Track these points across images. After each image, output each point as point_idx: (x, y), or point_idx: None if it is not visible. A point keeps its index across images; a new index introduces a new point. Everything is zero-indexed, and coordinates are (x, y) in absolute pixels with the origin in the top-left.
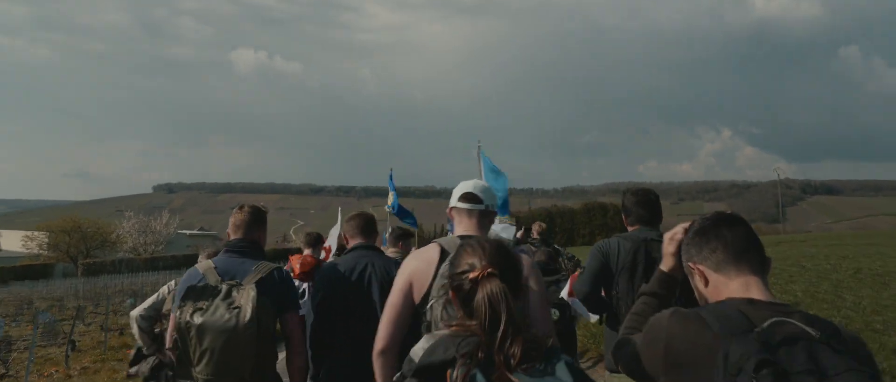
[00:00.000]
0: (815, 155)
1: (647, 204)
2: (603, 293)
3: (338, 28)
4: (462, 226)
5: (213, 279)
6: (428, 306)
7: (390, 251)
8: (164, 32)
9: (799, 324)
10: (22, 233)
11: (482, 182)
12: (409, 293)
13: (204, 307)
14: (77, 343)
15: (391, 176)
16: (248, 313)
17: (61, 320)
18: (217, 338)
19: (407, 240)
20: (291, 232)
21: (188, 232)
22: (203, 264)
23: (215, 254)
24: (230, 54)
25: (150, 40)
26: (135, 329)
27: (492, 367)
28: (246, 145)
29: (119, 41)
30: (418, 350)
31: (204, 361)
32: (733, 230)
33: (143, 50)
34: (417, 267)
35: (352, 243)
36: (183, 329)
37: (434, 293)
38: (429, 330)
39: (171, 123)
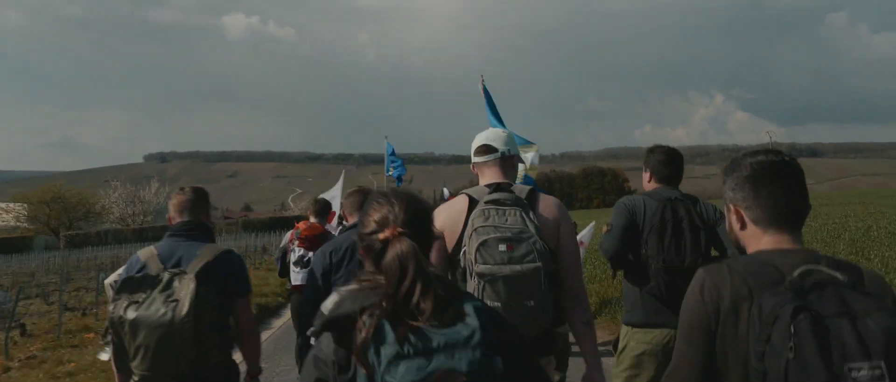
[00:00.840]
0: (802, 118)
1: (672, 163)
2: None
3: None
4: (485, 177)
5: (154, 267)
6: (461, 253)
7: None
8: None
9: (826, 270)
10: None
11: (493, 130)
12: (441, 244)
13: (140, 299)
14: (29, 328)
15: (389, 145)
16: (184, 307)
17: (25, 298)
18: (151, 334)
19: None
20: (289, 200)
21: None
22: (145, 250)
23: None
24: (221, 19)
25: (131, 3)
26: (110, 296)
27: (399, 318)
28: (241, 113)
29: (97, 4)
30: (328, 304)
31: (139, 356)
32: (787, 190)
33: (125, 14)
34: (448, 217)
35: (351, 219)
36: (116, 324)
37: (465, 240)
38: (464, 278)
39: (160, 90)
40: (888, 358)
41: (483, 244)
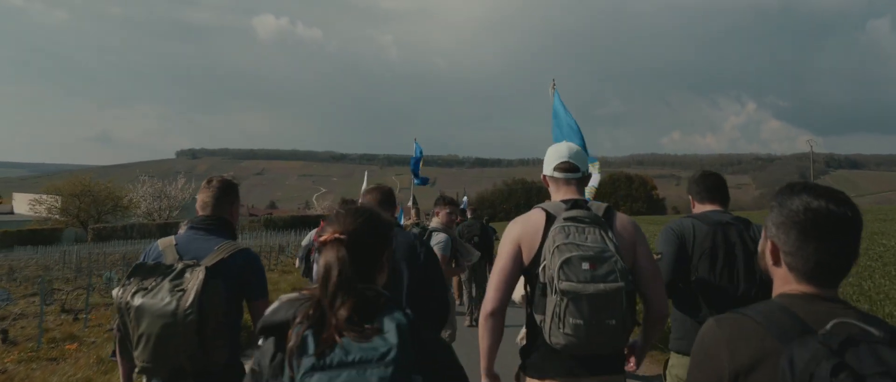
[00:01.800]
0: (841, 128)
1: (719, 186)
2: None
3: None
4: (560, 193)
5: (171, 256)
6: (540, 267)
7: (434, 220)
8: None
9: (860, 324)
10: (32, 196)
11: (574, 146)
12: (517, 256)
13: (149, 286)
14: (14, 334)
15: (418, 147)
16: (189, 298)
17: (31, 294)
18: (154, 323)
19: (453, 208)
20: (314, 199)
21: None
22: (165, 240)
23: None
24: (252, 20)
25: (168, 4)
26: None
27: (323, 328)
28: (269, 112)
29: (137, 4)
30: (268, 310)
31: (141, 345)
32: (836, 249)
33: (162, 13)
34: (525, 231)
35: None
36: (122, 310)
37: (545, 254)
38: (543, 292)
39: (192, 88)
40: None
41: (566, 261)
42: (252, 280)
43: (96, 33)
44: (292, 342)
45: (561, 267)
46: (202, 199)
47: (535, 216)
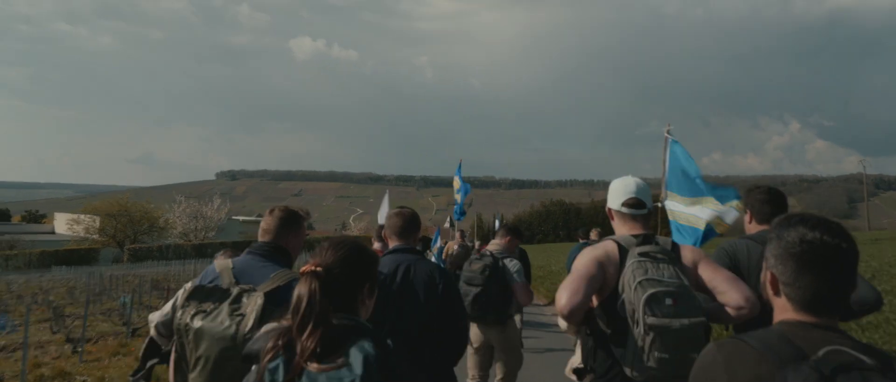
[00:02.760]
0: (889, 149)
1: (774, 202)
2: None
3: (396, 16)
4: (626, 227)
5: (227, 280)
6: (618, 302)
7: (494, 245)
8: (223, 20)
9: (852, 352)
10: (71, 216)
11: (642, 182)
12: (602, 271)
13: (208, 309)
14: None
15: (460, 169)
16: (249, 322)
17: (45, 319)
18: (213, 345)
19: (514, 236)
20: (351, 220)
21: (242, 219)
22: (221, 263)
23: (234, 256)
24: (289, 42)
25: (209, 28)
26: (152, 332)
27: (293, 357)
28: (306, 133)
29: (179, 29)
30: (252, 337)
31: (198, 368)
32: (832, 280)
33: (203, 37)
34: (605, 256)
35: (391, 243)
36: (181, 331)
37: (624, 287)
38: (624, 326)
39: (232, 110)
40: None
41: (653, 297)
42: None
43: (140, 57)
44: (261, 369)
45: (647, 303)
46: (264, 226)
47: (610, 248)
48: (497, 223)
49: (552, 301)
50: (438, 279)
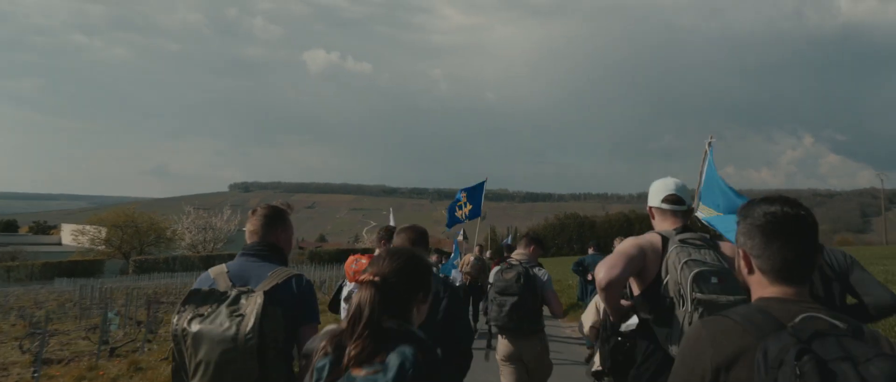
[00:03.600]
0: None
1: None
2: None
3: (410, 29)
4: (667, 223)
5: (223, 284)
6: (663, 285)
7: (518, 254)
8: (237, 33)
9: (826, 318)
10: (76, 227)
11: (680, 181)
12: (643, 255)
13: (205, 313)
14: None
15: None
16: (250, 323)
17: (29, 334)
18: (213, 349)
19: (538, 246)
20: (364, 233)
21: None
22: (216, 268)
23: None
24: (303, 55)
25: (223, 40)
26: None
27: (340, 358)
28: (320, 145)
29: (193, 41)
30: (313, 338)
31: (199, 373)
32: (797, 246)
33: (217, 50)
34: (647, 244)
35: None
36: (178, 337)
37: (669, 270)
38: (671, 306)
39: (245, 122)
40: None
41: (700, 275)
42: (305, 305)
43: (154, 70)
44: (311, 367)
45: (695, 280)
46: (250, 227)
47: (653, 237)
48: (509, 238)
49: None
50: (442, 296)
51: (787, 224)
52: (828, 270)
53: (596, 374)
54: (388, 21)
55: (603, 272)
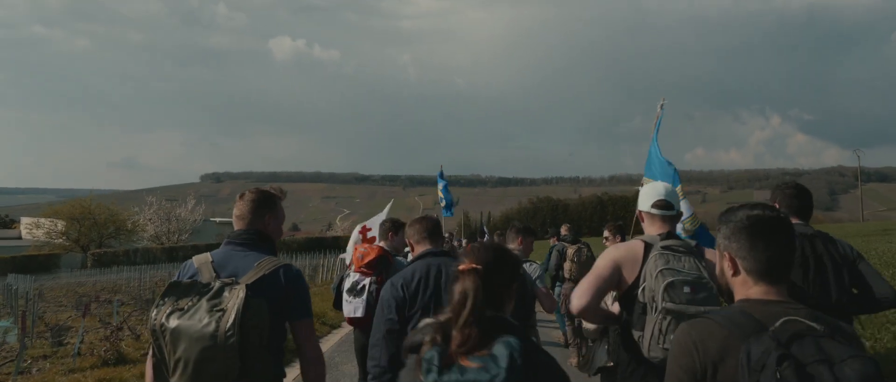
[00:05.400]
0: (869, 141)
1: (803, 197)
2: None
3: (378, 15)
4: (655, 227)
5: (207, 274)
6: (639, 289)
7: (512, 247)
8: (200, 21)
9: (805, 321)
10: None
11: (670, 186)
12: (616, 273)
13: (185, 307)
14: None
15: (441, 174)
16: (230, 318)
17: None
18: (192, 346)
19: (528, 237)
20: (337, 221)
21: (219, 220)
22: (200, 257)
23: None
24: (268, 43)
25: (187, 29)
26: None
27: (447, 349)
28: (291, 135)
29: (155, 30)
30: (415, 329)
31: (178, 372)
32: (777, 243)
33: (181, 39)
34: (627, 256)
35: (418, 249)
36: (157, 333)
37: (646, 276)
38: (643, 311)
39: (214, 112)
40: None
41: (671, 284)
42: (295, 299)
43: (118, 60)
44: (419, 358)
45: (665, 289)
46: (237, 212)
47: (635, 244)
48: (484, 228)
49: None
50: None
51: (770, 225)
52: (838, 258)
53: (602, 371)
54: (355, 6)
55: (575, 300)
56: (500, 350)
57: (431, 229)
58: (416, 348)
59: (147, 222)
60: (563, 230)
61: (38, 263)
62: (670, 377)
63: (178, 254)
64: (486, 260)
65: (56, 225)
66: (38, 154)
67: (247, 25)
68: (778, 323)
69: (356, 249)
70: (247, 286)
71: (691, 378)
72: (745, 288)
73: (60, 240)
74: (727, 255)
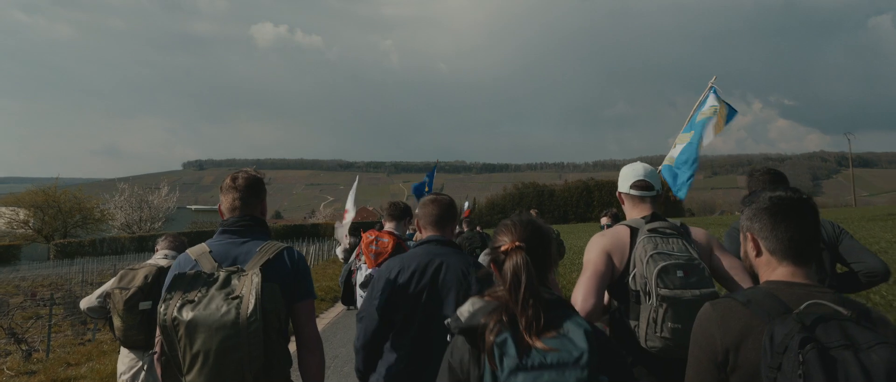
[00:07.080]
0: (850, 126)
1: (779, 182)
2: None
3: (360, 1)
4: (636, 210)
5: (208, 265)
6: (630, 277)
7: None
8: (182, 7)
9: (831, 305)
10: None
11: (649, 166)
12: (610, 264)
13: (195, 298)
14: None
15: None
16: (250, 303)
17: None
18: (212, 337)
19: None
20: (321, 207)
21: (194, 207)
22: (196, 248)
23: (175, 245)
24: (250, 29)
25: (169, 15)
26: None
27: (518, 330)
28: (274, 121)
29: (137, 17)
30: (464, 312)
31: (197, 367)
32: (803, 225)
33: (163, 26)
34: (614, 243)
35: (425, 233)
36: (169, 328)
37: (636, 263)
38: (637, 299)
39: (197, 99)
40: None
41: (664, 270)
42: (300, 280)
43: (100, 47)
44: (490, 340)
45: (659, 275)
46: (228, 200)
47: (621, 230)
48: (465, 205)
49: None
50: (471, 280)
51: (792, 207)
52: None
53: None
54: None
55: (579, 303)
56: (571, 328)
57: (441, 214)
58: (474, 329)
59: (117, 210)
60: (533, 214)
61: None
62: (691, 358)
63: (148, 243)
64: (527, 236)
65: (17, 214)
66: (20, 142)
67: (228, 11)
68: (803, 306)
69: (364, 237)
70: (260, 269)
71: (711, 361)
72: (770, 269)
73: (22, 230)
74: (750, 235)
